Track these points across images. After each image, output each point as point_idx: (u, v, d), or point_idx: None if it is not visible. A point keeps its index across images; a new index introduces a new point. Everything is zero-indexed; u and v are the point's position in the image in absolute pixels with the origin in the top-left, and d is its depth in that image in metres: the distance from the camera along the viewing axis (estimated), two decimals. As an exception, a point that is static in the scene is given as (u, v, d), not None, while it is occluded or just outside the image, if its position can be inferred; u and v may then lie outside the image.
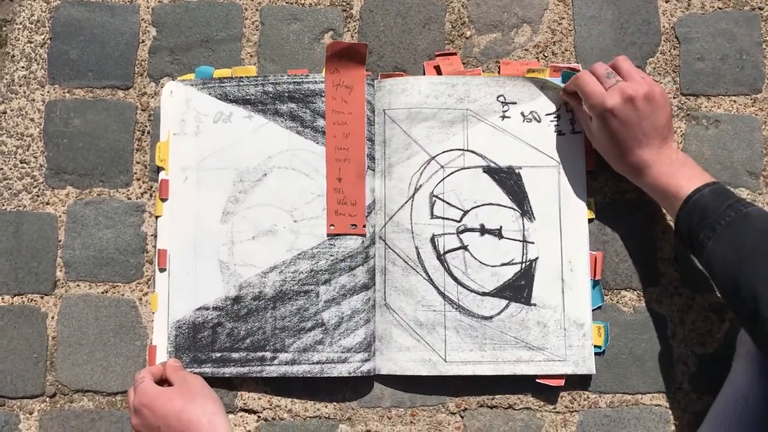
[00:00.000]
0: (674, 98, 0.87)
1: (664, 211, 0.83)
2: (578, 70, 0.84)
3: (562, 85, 0.83)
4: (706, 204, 0.71)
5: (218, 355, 0.80)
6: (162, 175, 0.84)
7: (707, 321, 0.82)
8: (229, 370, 0.80)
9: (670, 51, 0.88)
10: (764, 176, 0.86)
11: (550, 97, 0.84)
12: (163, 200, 0.83)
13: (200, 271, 0.81)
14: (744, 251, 0.67)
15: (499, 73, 0.86)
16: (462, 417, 0.81)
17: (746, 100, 0.87)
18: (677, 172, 0.74)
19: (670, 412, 0.81)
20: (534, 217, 0.82)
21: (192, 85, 0.84)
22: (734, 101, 0.87)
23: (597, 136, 0.78)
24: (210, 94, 0.84)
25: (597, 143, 0.80)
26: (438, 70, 0.85)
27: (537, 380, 0.80)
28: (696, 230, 0.71)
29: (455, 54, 0.86)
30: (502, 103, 0.84)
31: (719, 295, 0.74)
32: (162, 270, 0.82)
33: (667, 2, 0.89)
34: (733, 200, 0.71)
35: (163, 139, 0.84)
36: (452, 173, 0.82)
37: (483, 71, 0.86)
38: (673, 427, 0.81)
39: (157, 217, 0.83)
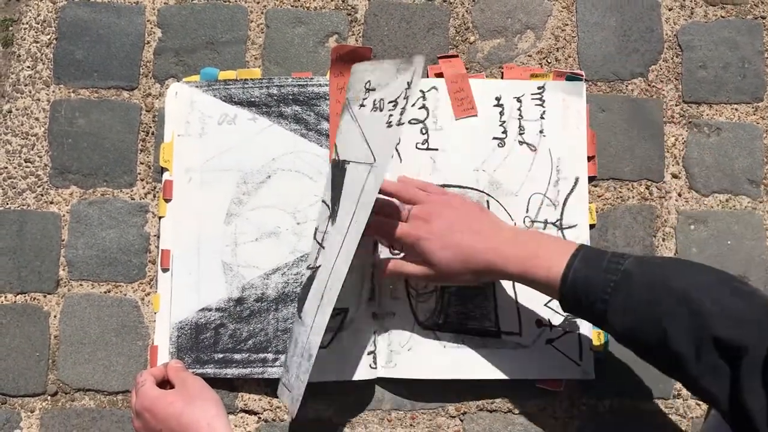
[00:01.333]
0: (676, 105, 0.87)
1: None
2: (581, 75, 0.84)
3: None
4: (584, 277, 0.65)
5: (220, 356, 0.81)
6: (166, 176, 0.84)
7: (707, 328, 0.83)
8: (231, 371, 0.80)
9: (672, 59, 0.88)
10: (765, 184, 0.86)
11: (396, 82, 0.74)
12: (167, 201, 0.83)
13: (203, 273, 0.82)
14: (640, 313, 0.62)
15: (502, 77, 0.87)
16: (462, 420, 0.81)
17: (748, 108, 0.88)
18: (536, 251, 0.68)
19: (669, 417, 0.82)
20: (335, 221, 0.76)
21: (197, 86, 0.85)
22: (736, 109, 0.88)
23: (432, 267, 0.72)
24: (215, 95, 0.84)
25: (442, 273, 0.72)
26: (440, 74, 0.86)
27: (537, 385, 0.80)
28: (585, 306, 0.66)
29: (457, 56, 0.86)
30: (366, 89, 0.78)
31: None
32: (165, 270, 0.82)
33: (670, 10, 0.89)
34: (606, 262, 0.65)
35: (167, 140, 0.85)
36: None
37: (486, 77, 0.87)
38: (671, 433, 0.81)
39: (160, 217, 0.84)
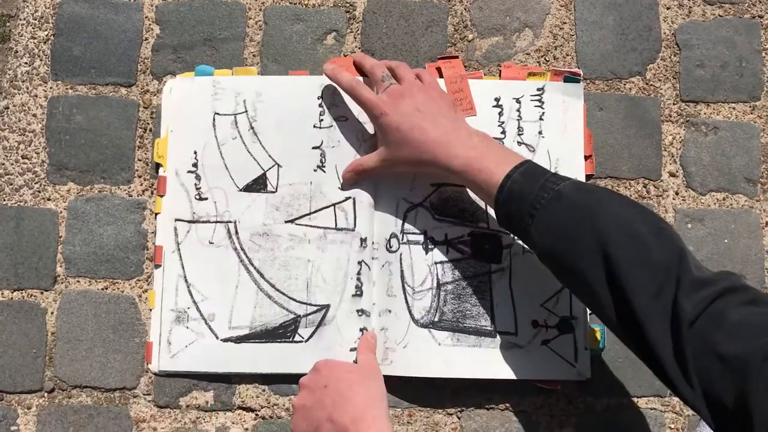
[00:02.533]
0: (674, 104, 0.88)
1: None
2: (579, 75, 0.84)
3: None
4: (520, 189, 0.67)
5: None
6: (161, 172, 0.84)
7: (703, 326, 0.83)
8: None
9: (670, 57, 0.89)
10: (762, 183, 0.86)
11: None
12: (161, 197, 0.83)
13: None
14: (559, 233, 0.65)
15: (500, 76, 0.87)
16: (459, 418, 0.81)
17: (745, 107, 0.88)
18: (483, 156, 0.71)
19: (665, 415, 0.82)
20: None
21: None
22: (733, 108, 0.88)
23: (385, 143, 0.77)
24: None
25: (386, 157, 0.77)
26: (440, 73, 0.86)
27: (535, 383, 0.81)
28: (516, 218, 0.68)
29: (457, 57, 0.86)
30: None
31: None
32: (157, 266, 0.82)
33: (668, 9, 0.89)
34: (543, 179, 0.67)
35: (162, 136, 0.84)
36: None
37: (484, 74, 0.87)
38: (668, 430, 0.82)
39: (156, 214, 0.84)
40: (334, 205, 0.82)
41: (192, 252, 0.82)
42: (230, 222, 0.82)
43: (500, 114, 0.84)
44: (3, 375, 0.82)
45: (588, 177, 0.84)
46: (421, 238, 0.82)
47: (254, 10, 0.89)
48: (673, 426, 0.82)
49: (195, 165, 0.83)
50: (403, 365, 0.80)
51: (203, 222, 0.82)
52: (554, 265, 0.68)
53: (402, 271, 0.81)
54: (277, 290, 0.81)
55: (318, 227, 0.82)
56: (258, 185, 0.82)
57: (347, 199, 0.82)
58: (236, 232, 0.82)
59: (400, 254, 0.82)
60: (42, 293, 0.84)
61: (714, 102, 0.88)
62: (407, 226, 0.82)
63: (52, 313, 0.83)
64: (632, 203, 0.66)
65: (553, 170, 0.82)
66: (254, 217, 0.82)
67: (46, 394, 0.82)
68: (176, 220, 0.82)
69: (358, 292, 0.81)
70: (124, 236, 0.85)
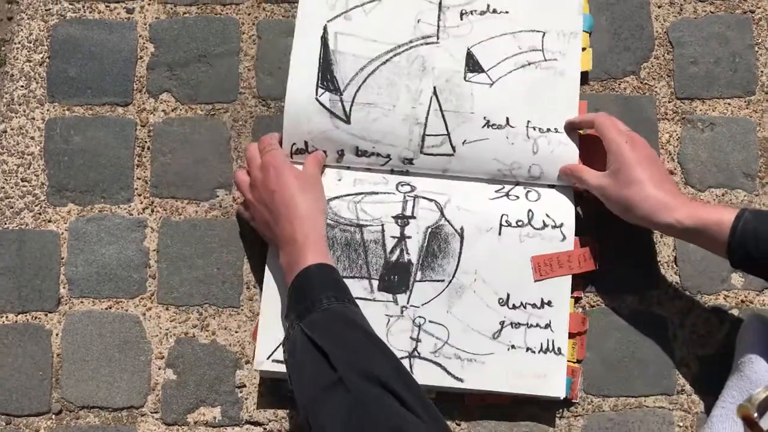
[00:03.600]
0: (669, 102, 0.89)
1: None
2: None
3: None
4: (755, 228, 0.70)
5: None
6: None
7: (707, 323, 0.84)
8: None
9: (663, 55, 0.90)
10: (760, 177, 0.87)
11: None
12: None
13: None
14: None
15: None
16: (468, 424, 0.82)
17: (740, 102, 0.89)
18: (702, 205, 0.75)
19: (674, 414, 0.82)
20: None
21: None
22: (728, 104, 0.89)
23: (618, 177, 0.78)
24: None
25: (617, 186, 0.78)
26: None
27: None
28: (756, 257, 0.70)
29: None
30: None
31: None
32: None
33: (659, 7, 0.91)
34: None
35: None
36: None
37: None
38: (677, 429, 0.82)
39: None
40: (448, 138, 0.84)
41: (409, 2, 0.87)
42: (438, 37, 0.86)
43: None
44: (10, 398, 0.83)
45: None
46: (408, 213, 0.83)
47: (247, 25, 0.90)
48: (681, 424, 0.82)
49: (496, 11, 0.86)
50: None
51: (440, 13, 0.86)
52: None
53: (377, 192, 0.84)
54: (367, 76, 0.84)
55: (427, 118, 0.84)
56: (471, 66, 0.85)
57: (452, 149, 0.84)
58: (427, 41, 0.86)
59: (392, 193, 0.84)
60: (46, 315, 0.85)
61: (709, 98, 0.89)
62: (422, 202, 0.84)
63: (57, 334, 0.84)
64: None
65: None
66: (441, 56, 0.85)
67: (53, 416, 0.83)
68: None
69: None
70: (126, 255, 0.85)
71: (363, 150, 0.83)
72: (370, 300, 0.81)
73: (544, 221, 0.83)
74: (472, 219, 0.83)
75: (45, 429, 0.83)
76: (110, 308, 0.85)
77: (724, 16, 0.90)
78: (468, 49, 0.84)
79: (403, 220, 0.82)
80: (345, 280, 0.77)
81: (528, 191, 0.84)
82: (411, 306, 0.82)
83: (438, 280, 0.82)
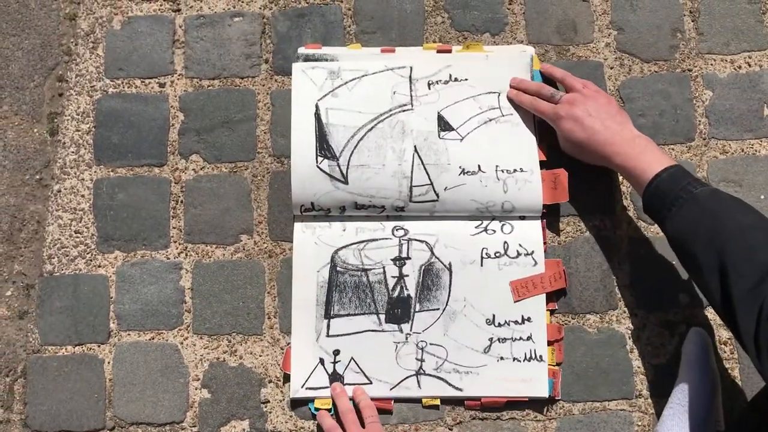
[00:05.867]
0: (622, 149, 1.03)
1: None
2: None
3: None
4: (665, 188, 0.83)
5: None
6: None
7: (660, 336, 0.97)
8: None
9: (616, 109, 1.04)
10: (701, 211, 1.01)
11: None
12: None
13: None
14: (689, 229, 0.80)
15: None
16: (459, 429, 0.96)
17: (683, 147, 1.03)
18: (640, 155, 0.87)
19: (633, 415, 0.96)
20: None
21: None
22: (673, 149, 1.03)
23: (564, 141, 0.95)
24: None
25: (566, 145, 0.96)
26: None
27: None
28: (656, 212, 0.85)
29: None
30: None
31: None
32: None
33: (611, 68, 1.05)
34: (686, 182, 0.83)
35: None
36: None
37: None
38: (636, 428, 0.95)
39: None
40: (431, 186, 0.97)
41: (386, 78, 1.02)
42: (412, 105, 1.00)
43: None
44: (71, 417, 0.97)
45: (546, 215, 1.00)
46: (404, 254, 0.98)
47: (262, 95, 1.05)
48: (639, 423, 0.96)
49: (457, 79, 1.02)
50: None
51: (411, 86, 1.01)
52: (679, 251, 0.84)
53: (376, 239, 0.98)
54: (357, 142, 0.98)
55: (412, 172, 0.97)
56: (442, 125, 1.00)
57: (436, 196, 0.98)
58: (404, 109, 1.00)
59: (389, 238, 0.98)
60: (99, 346, 0.99)
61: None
62: (414, 244, 0.99)
63: (108, 362, 0.98)
64: (753, 211, 0.80)
65: None
66: (418, 120, 1.00)
67: (108, 432, 0.97)
68: (410, 67, 1.02)
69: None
70: (165, 293, 1.00)
71: (361, 204, 0.97)
72: (379, 331, 0.96)
73: (518, 250, 0.98)
74: (457, 255, 0.98)
75: (101, 443, 0.97)
76: (153, 339, 0.99)
77: (666, 74, 1.05)
78: (438, 112, 0.99)
79: (400, 261, 0.97)
80: (357, 316, 0.95)
81: (503, 224, 0.99)
82: (414, 333, 0.97)
83: (434, 309, 0.97)
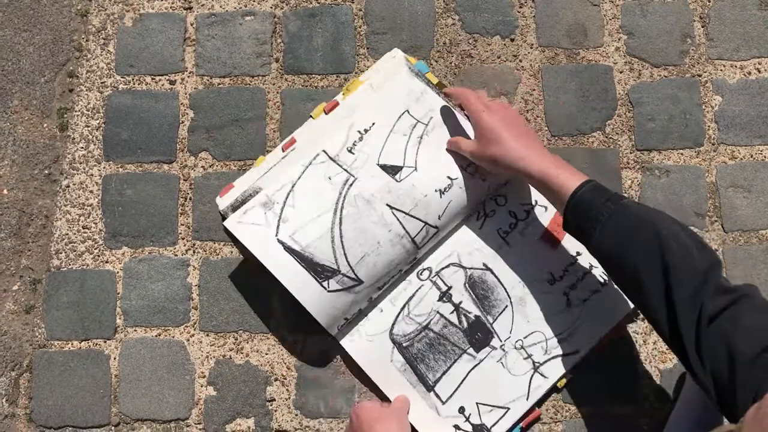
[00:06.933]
0: (631, 153, 1.03)
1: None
2: None
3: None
4: (589, 199, 0.81)
5: None
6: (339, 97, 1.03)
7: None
8: None
9: (625, 114, 1.04)
10: (709, 216, 1.01)
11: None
12: (327, 110, 1.02)
13: None
14: (623, 237, 0.79)
15: None
16: (463, 430, 0.96)
17: (691, 152, 1.03)
18: (558, 170, 0.84)
19: (639, 419, 0.96)
20: None
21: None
22: (681, 154, 1.03)
23: (479, 144, 0.90)
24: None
25: (479, 150, 0.90)
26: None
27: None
28: (582, 223, 0.81)
29: None
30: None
31: (608, 277, 0.90)
32: (285, 150, 1.00)
33: (621, 73, 1.06)
34: (610, 195, 0.81)
35: (359, 79, 1.03)
36: None
37: None
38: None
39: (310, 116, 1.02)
40: (426, 224, 0.95)
41: (313, 174, 0.96)
42: (353, 176, 0.95)
43: None
44: (76, 413, 0.97)
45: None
46: (443, 287, 0.97)
47: (272, 93, 1.05)
48: (646, 428, 0.96)
49: (366, 130, 0.98)
50: (359, 352, 0.96)
51: (337, 164, 0.96)
52: (613, 264, 0.82)
53: (411, 297, 0.97)
54: (341, 242, 0.92)
55: (403, 227, 0.94)
56: (391, 171, 0.96)
57: (435, 228, 0.95)
58: (350, 184, 0.95)
59: (420, 285, 0.97)
60: (105, 342, 0.99)
61: (665, 149, 1.03)
62: (444, 272, 0.98)
63: (114, 358, 0.98)
64: (678, 222, 0.80)
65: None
66: (370, 185, 0.95)
67: (113, 428, 0.97)
68: (323, 151, 0.97)
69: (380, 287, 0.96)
70: (172, 290, 1.00)
71: (383, 282, 0.96)
72: (479, 362, 0.96)
73: (524, 210, 0.99)
74: (483, 251, 0.99)
75: (106, 439, 0.97)
76: (159, 335, 0.99)
77: (676, 79, 1.05)
78: (378, 165, 0.96)
79: (446, 295, 0.97)
80: (452, 367, 0.95)
81: (497, 200, 1.00)
82: (505, 341, 0.96)
83: (504, 308, 0.97)
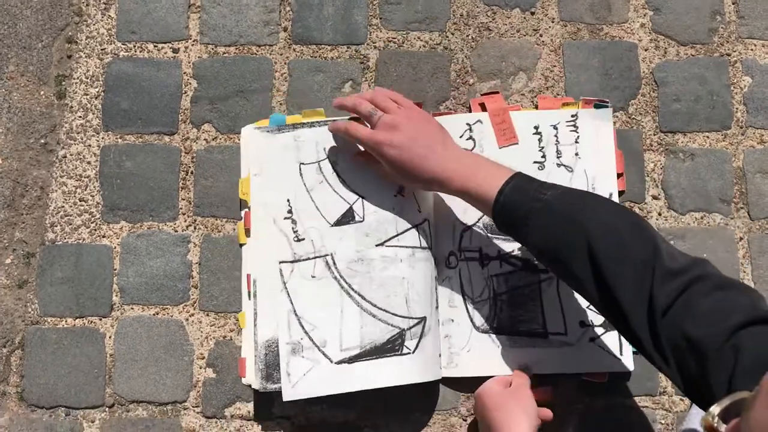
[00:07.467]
0: (654, 135, 0.99)
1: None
2: (607, 103, 0.96)
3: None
4: (512, 202, 0.77)
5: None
6: (246, 208, 0.94)
7: (687, 332, 0.93)
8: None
9: (649, 93, 1.00)
10: (735, 202, 0.97)
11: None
12: (247, 230, 0.94)
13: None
14: (552, 236, 0.75)
15: (536, 107, 0.98)
16: (472, 419, 0.92)
17: (718, 135, 0.99)
18: (475, 174, 0.80)
19: (656, 412, 0.92)
20: None
21: (268, 131, 0.94)
22: (707, 137, 0.99)
23: (389, 167, 0.85)
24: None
25: (392, 173, 0.85)
26: (483, 107, 0.97)
27: (583, 378, 0.91)
28: (513, 226, 0.78)
29: (498, 93, 0.98)
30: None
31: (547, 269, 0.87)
32: (249, 294, 0.92)
33: (646, 50, 1.01)
34: (532, 191, 0.77)
35: (243, 176, 0.95)
36: None
37: (522, 107, 0.98)
38: (659, 426, 0.92)
39: (241, 245, 0.95)
40: (416, 226, 0.91)
41: (297, 288, 0.90)
42: (327, 255, 0.90)
43: (539, 140, 0.96)
44: (69, 393, 0.93)
45: (620, 193, 0.96)
46: (476, 254, 0.93)
47: (279, 64, 1.01)
48: (663, 422, 0.92)
49: (290, 211, 0.92)
50: (467, 367, 0.92)
51: (304, 260, 0.90)
52: (549, 263, 0.79)
53: (462, 285, 0.93)
54: (379, 308, 0.89)
55: (407, 247, 0.90)
56: (347, 218, 0.91)
57: (424, 221, 0.92)
58: (334, 263, 0.90)
59: (459, 270, 0.93)
60: (101, 320, 0.95)
61: (690, 132, 0.99)
62: (464, 244, 0.94)
63: (110, 337, 0.95)
64: (611, 203, 0.77)
65: (590, 187, 0.94)
66: (348, 247, 0.90)
67: (107, 409, 0.93)
68: (280, 262, 0.91)
69: (437, 304, 0.92)
70: (172, 267, 0.96)
71: (434, 300, 0.92)
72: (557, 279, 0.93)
73: None
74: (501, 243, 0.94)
75: (99, 420, 0.93)
76: (157, 314, 0.95)
77: (703, 59, 1.01)
78: (331, 226, 0.91)
79: (483, 258, 0.94)
80: (542, 303, 0.93)
81: None
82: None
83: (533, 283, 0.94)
